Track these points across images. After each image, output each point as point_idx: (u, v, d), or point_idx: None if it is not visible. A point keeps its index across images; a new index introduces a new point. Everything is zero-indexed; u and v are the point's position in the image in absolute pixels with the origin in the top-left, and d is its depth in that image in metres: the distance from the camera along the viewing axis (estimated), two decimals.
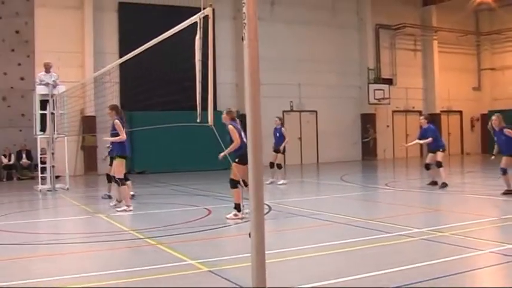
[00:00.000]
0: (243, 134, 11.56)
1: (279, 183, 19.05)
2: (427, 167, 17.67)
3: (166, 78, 25.70)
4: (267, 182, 18.69)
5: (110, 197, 15.61)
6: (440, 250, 8.14)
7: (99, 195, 16.66)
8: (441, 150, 17.39)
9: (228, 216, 11.51)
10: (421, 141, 18.08)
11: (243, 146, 11.13)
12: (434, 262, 7.23)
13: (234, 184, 11.52)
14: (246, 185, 9.69)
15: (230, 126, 11.75)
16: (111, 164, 14.92)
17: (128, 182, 14.25)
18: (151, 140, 24.69)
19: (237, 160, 11.31)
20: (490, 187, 17.83)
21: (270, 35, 29.40)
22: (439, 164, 17.12)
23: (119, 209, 13.30)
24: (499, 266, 7.35)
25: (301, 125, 31.63)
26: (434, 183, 17.26)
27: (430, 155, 17.67)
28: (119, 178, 13.41)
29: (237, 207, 11.58)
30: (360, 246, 8.47)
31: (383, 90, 33.17)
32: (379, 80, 33.79)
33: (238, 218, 11.33)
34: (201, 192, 17.14)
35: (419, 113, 17.82)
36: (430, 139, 17.43)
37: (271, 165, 19.42)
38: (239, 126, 11.87)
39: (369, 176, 17.18)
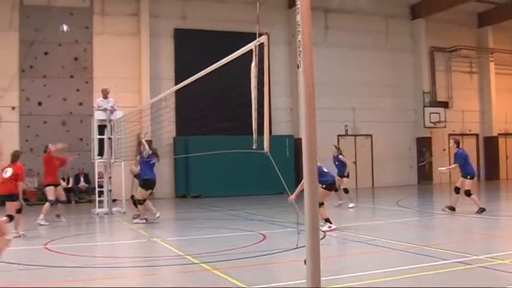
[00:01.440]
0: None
1: (349, 206, 19.11)
2: (456, 190, 17.02)
3: (221, 104, 26.07)
4: (335, 205, 18.87)
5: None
6: (499, 278, 8.00)
7: (156, 219, 16.82)
8: (468, 177, 16.66)
9: (323, 229, 12.79)
10: (451, 167, 17.72)
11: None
12: None
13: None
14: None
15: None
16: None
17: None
18: (207, 164, 24.86)
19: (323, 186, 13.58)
20: None
21: (324, 60, 29.42)
22: (467, 193, 16.51)
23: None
24: None
25: (356, 149, 31.46)
26: (452, 208, 16.79)
27: (461, 179, 16.93)
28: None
29: (328, 221, 13.46)
30: (416, 273, 8.37)
31: (439, 113, 32.78)
32: (435, 103, 33.41)
33: (332, 229, 13.21)
34: (255, 217, 17.17)
35: (450, 135, 17.17)
36: (455, 165, 17.12)
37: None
38: None
39: (425, 200, 16.97)
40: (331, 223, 13.54)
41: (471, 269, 8.69)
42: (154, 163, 16.72)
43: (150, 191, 16.59)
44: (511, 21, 33.72)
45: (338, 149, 20.17)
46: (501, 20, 34.23)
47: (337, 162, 19.64)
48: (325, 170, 13.98)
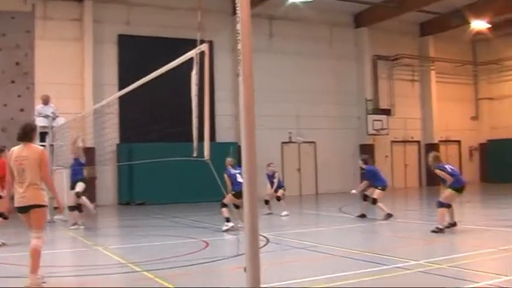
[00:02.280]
0: None
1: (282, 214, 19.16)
2: (364, 197, 17.76)
3: (165, 111, 25.92)
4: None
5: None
6: (436, 283, 8.14)
7: (98, 226, 16.67)
8: (380, 188, 17.35)
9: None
10: (362, 185, 18.21)
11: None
12: None
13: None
14: None
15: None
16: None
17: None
18: (151, 171, 24.68)
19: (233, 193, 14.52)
20: (489, 217, 17.85)
21: (268, 67, 29.59)
22: (374, 201, 17.18)
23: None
24: None
25: (300, 156, 31.67)
26: (363, 215, 17.46)
27: (372, 189, 17.54)
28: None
29: (228, 220, 14.72)
30: (357, 279, 8.48)
31: (381, 120, 33.25)
32: (378, 110, 33.88)
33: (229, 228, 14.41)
34: (199, 225, 17.13)
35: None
36: (365, 182, 17.80)
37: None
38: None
39: (368, 207, 17.19)
40: (228, 221, 14.79)
41: (410, 273, 8.84)
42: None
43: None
44: (452, 31, 34.44)
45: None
46: (442, 29, 34.96)
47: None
48: (239, 180, 14.32)
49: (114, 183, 27.02)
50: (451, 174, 13.96)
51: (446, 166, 14.35)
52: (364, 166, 18.03)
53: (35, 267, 8.26)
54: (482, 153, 38.68)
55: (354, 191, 18.40)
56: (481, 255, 10.48)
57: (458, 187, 14.00)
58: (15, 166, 8.57)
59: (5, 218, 13.00)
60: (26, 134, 8.82)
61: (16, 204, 8.60)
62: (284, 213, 19.07)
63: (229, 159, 15.79)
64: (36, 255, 8.32)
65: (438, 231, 13.55)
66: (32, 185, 8.49)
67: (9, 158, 8.87)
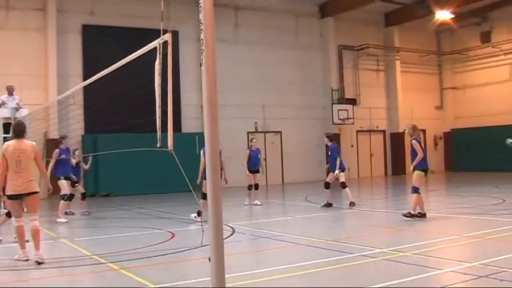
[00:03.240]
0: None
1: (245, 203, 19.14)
2: (327, 185, 17.71)
3: (129, 101, 25.63)
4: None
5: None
6: (401, 270, 8.22)
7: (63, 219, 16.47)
8: (340, 170, 17.40)
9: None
10: (338, 167, 17.49)
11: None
12: (395, 282, 7.31)
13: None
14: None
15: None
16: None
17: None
18: (116, 162, 24.56)
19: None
20: (453, 205, 18.06)
21: (234, 57, 29.59)
22: (343, 185, 17.34)
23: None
24: (457, 285, 7.45)
25: (265, 145, 31.70)
26: (329, 205, 17.51)
27: (332, 174, 17.55)
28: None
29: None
30: (322, 268, 8.52)
31: (347, 110, 33.44)
32: (343, 100, 34.09)
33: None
34: (164, 215, 17.08)
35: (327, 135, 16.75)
36: (338, 161, 17.48)
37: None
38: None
39: (333, 196, 17.25)
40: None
41: (375, 261, 8.90)
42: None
43: None
44: (417, 21, 34.79)
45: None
46: (407, 20, 35.28)
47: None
48: None
49: None
50: (423, 150, 14.33)
51: (421, 141, 14.67)
52: (329, 143, 17.91)
53: (38, 244, 9.76)
54: (447, 142, 39.12)
55: (336, 172, 17.63)
56: (445, 243, 10.60)
57: (425, 168, 14.43)
58: (13, 158, 9.78)
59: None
60: (21, 130, 10.18)
61: (12, 192, 9.86)
62: (256, 202, 19.09)
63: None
64: (37, 233, 9.88)
65: (409, 216, 13.83)
66: (29, 174, 9.93)
67: (4, 151, 9.92)
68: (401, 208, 16.92)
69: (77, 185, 18.37)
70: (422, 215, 14.02)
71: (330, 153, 17.86)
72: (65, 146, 16.96)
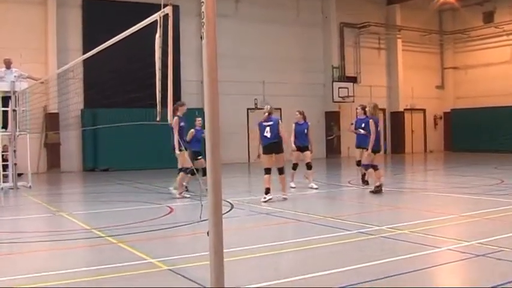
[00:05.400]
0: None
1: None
2: (294, 167, 17.06)
3: (130, 76, 25.34)
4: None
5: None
6: (398, 248, 8.25)
7: (63, 192, 16.54)
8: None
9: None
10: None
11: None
12: (392, 260, 7.34)
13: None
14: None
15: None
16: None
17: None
18: (116, 137, 24.57)
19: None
20: (452, 184, 18.07)
21: (234, 32, 29.46)
22: (309, 166, 16.87)
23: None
24: (455, 263, 7.47)
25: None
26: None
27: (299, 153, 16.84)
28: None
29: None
30: (320, 244, 8.55)
31: (347, 88, 33.35)
32: (344, 78, 34.00)
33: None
34: (164, 190, 17.06)
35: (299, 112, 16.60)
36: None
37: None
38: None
39: (333, 173, 17.24)
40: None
41: (372, 239, 8.92)
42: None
43: None
44: (419, 0, 34.62)
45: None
46: None
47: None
48: None
49: (78, 149, 26.79)
50: (377, 133, 14.81)
51: (378, 122, 14.90)
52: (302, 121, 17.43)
53: None
54: (447, 122, 39.05)
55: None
56: (443, 222, 10.62)
57: (376, 150, 15.10)
58: None
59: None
60: None
61: None
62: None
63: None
64: None
65: (377, 190, 14.71)
66: None
67: None
68: (400, 187, 16.97)
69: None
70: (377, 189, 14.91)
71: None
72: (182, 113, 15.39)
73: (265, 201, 13.60)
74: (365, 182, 16.66)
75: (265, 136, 13.97)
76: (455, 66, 38.95)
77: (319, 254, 8.03)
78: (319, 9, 33.91)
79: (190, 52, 28.12)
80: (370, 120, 14.87)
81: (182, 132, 14.80)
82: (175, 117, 14.32)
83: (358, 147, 17.15)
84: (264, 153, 14.09)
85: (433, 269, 7.16)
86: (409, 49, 37.31)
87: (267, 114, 14.16)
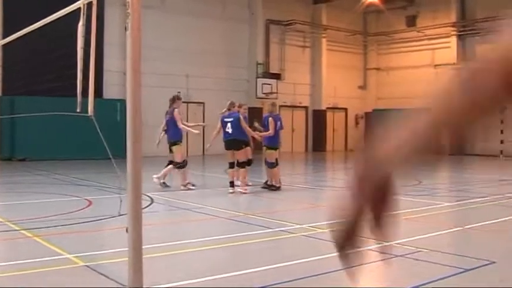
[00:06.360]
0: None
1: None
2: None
3: (50, 63, 24.88)
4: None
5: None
6: (319, 246, 8.25)
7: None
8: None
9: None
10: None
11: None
12: (313, 259, 7.32)
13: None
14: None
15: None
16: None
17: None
18: (34, 126, 23.91)
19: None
20: None
21: (160, 25, 29.12)
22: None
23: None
24: (374, 264, 7.50)
25: (188, 116, 31.39)
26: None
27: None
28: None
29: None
30: (241, 241, 8.48)
31: (271, 84, 33.50)
32: (267, 74, 34.11)
33: None
34: (82, 183, 16.73)
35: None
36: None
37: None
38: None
39: (254, 169, 17.13)
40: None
41: (293, 237, 8.91)
42: None
43: None
44: (345, 1, 35.08)
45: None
46: None
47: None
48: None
49: None
50: (276, 130, 15.15)
51: (278, 122, 15.39)
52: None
53: None
54: (368, 122, 39.70)
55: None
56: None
57: (272, 146, 15.40)
58: None
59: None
60: None
61: None
62: None
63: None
64: None
65: (276, 189, 15.13)
66: None
67: None
68: (320, 185, 17.09)
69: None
70: (277, 188, 15.26)
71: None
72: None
73: (231, 193, 14.36)
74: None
75: (226, 132, 14.77)
76: (378, 67, 39.68)
77: (240, 252, 7.99)
78: (246, 5, 33.91)
79: (113, 42, 27.63)
80: (270, 118, 15.21)
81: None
82: (176, 109, 15.31)
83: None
84: (225, 148, 15.06)
85: (352, 269, 7.17)
86: (334, 48, 37.78)
87: (226, 109, 14.93)
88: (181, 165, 15.23)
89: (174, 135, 15.28)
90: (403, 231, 9.55)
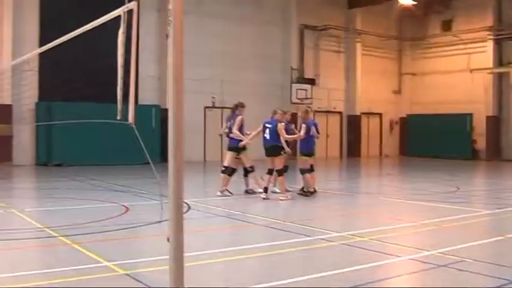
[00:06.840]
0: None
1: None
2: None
3: (88, 69, 25.04)
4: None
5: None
6: (359, 256, 8.14)
7: (14, 187, 16.08)
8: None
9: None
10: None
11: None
12: (354, 268, 7.20)
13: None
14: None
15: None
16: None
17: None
18: (71, 131, 24.01)
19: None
20: (409, 191, 18.10)
21: (195, 29, 29.16)
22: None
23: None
24: (417, 273, 7.39)
25: (222, 121, 31.39)
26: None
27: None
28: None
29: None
30: (280, 250, 8.40)
31: (305, 90, 33.34)
32: (302, 79, 33.97)
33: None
34: (119, 188, 16.76)
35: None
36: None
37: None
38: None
39: (289, 175, 16.96)
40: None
41: (333, 246, 8.80)
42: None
43: None
44: (380, 6, 34.87)
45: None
46: (370, 3, 35.22)
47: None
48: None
49: (31, 142, 26.19)
50: (308, 136, 15.17)
51: (312, 127, 15.38)
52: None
53: None
54: (402, 127, 39.40)
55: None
56: (401, 229, 10.57)
57: (306, 153, 15.58)
58: None
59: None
60: None
61: None
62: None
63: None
64: None
65: (305, 194, 15.20)
66: None
67: None
68: (357, 192, 16.91)
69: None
70: (310, 193, 15.33)
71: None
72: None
73: (264, 198, 14.64)
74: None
75: (264, 137, 15.23)
76: (412, 72, 39.32)
77: (280, 260, 7.88)
78: (280, 9, 33.80)
79: (148, 47, 27.83)
80: (303, 125, 15.21)
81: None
82: (241, 117, 15.72)
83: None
84: (265, 155, 15.45)
85: (396, 279, 7.07)
86: (368, 53, 37.54)
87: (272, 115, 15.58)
88: (251, 170, 15.86)
89: (237, 141, 15.70)
90: (444, 239, 9.41)
